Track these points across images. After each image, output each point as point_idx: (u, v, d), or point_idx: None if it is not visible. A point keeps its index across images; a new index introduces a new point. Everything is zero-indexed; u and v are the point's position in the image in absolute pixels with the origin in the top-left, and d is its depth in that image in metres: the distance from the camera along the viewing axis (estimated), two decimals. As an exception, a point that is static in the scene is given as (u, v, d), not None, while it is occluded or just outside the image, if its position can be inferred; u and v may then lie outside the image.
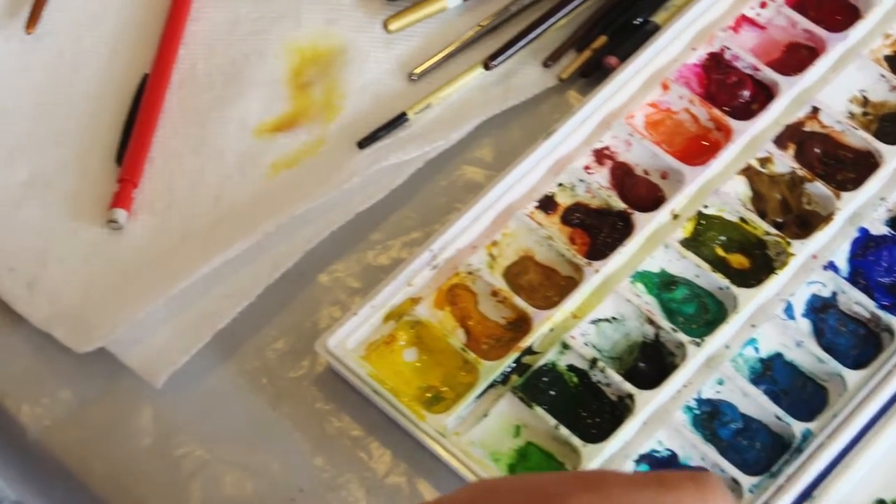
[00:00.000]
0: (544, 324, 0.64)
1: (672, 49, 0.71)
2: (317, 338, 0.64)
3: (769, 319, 0.64)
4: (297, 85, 0.72)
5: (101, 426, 0.64)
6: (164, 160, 0.70)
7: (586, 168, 0.68)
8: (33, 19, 0.72)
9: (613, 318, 0.65)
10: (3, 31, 0.72)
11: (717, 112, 0.69)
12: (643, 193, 0.68)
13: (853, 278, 0.66)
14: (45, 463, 0.64)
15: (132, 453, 0.64)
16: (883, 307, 0.64)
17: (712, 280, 0.65)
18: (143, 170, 0.69)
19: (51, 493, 0.66)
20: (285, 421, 0.64)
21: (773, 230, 0.66)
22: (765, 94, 0.70)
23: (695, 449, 0.62)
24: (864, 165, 0.68)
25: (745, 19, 0.72)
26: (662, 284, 0.66)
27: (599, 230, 0.67)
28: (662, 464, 0.62)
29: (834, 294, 0.65)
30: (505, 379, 0.63)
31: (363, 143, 0.70)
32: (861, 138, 0.68)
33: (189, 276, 0.65)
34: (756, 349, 0.64)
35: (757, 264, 0.66)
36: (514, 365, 0.64)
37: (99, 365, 0.65)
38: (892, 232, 0.66)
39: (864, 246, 0.67)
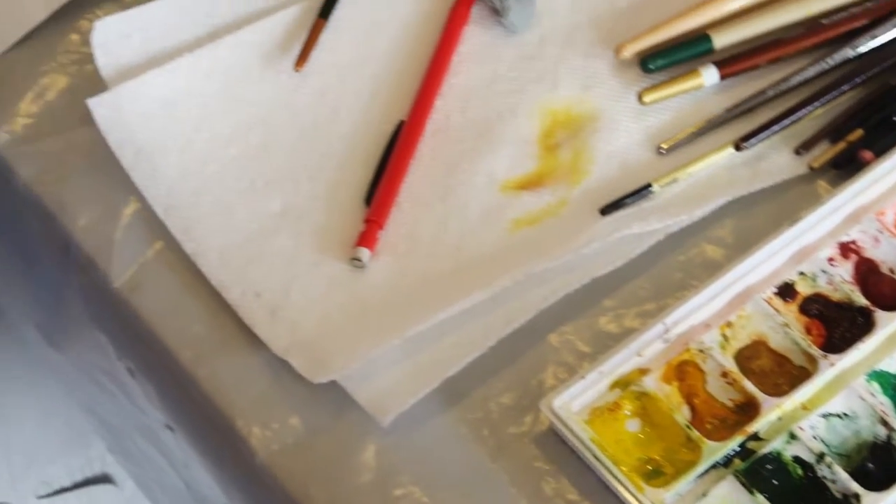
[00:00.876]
0: (773, 411, 0.64)
1: (930, 149, 0.70)
2: (541, 396, 0.65)
3: None
4: (546, 146, 0.73)
5: (325, 457, 0.66)
6: (410, 205, 0.72)
7: (830, 260, 0.68)
8: (303, 58, 0.75)
9: (845, 415, 0.64)
10: (275, 66, 0.75)
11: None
12: (887, 292, 0.67)
13: None
14: (268, 487, 0.66)
15: (352, 487, 0.65)
16: None
17: (952, 388, 0.64)
18: (390, 213, 0.72)
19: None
20: (502, 475, 0.65)
21: None
22: None
23: (917, 557, 0.60)
24: None
25: None
26: (899, 386, 0.65)
27: (838, 324, 0.66)
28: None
29: None
30: (727, 461, 0.63)
31: (606, 210, 0.71)
32: None
33: (425, 321, 0.67)
34: None
35: None
36: (739, 449, 0.63)
37: (329, 396, 0.67)
38: None
39: None
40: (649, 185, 0.71)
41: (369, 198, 0.72)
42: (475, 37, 0.76)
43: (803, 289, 0.67)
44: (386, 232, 0.71)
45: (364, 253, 0.70)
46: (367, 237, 0.70)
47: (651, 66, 0.74)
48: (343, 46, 0.76)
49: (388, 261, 0.71)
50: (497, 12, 0.76)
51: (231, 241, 0.71)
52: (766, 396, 0.64)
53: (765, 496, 0.61)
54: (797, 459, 0.63)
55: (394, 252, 0.71)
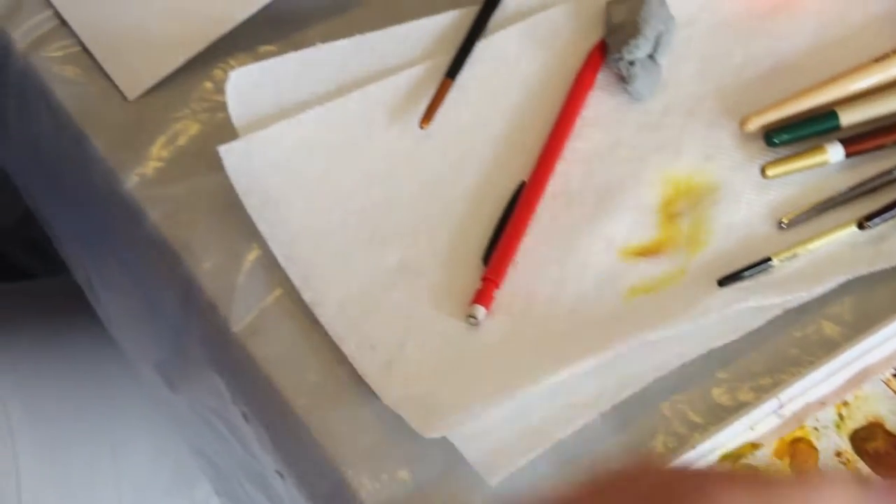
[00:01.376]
0: (887, 495, 0.63)
1: None
2: (651, 465, 0.65)
3: None
4: (666, 214, 0.74)
5: (433, 511, 0.67)
6: (527, 266, 0.73)
7: (952, 343, 0.67)
8: (429, 115, 0.76)
9: (962, 503, 0.63)
10: (401, 122, 0.77)
11: None
12: None
13: None
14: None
15: (458, 543, 0.66)
16: None
17: None
18: (507, 272, 0.72)
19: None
20: (608, 541, 0.65)
21: None
22: None
23: None
24: None
25: None
26: None
27: (958, 409, 0.66)
28: None
29: None
30: (839, 543, 0.62)
31: (724, 282, 0.70)
32: None
33: (538, 382, 0.67)
34: None
35: None
36: (851, 530, 0.63)
37: (439, 451, 0.67)
38: None
39: None
40: (769, 259, 0.71)
41: (487, 256, 0.73)
42: (600, 102, 0.77)
43: (923, 372, 0.67)
44: (502, 291, 0.72)
45: (480, 311, 0.70)
46: (483, 295, 0.71)
47: (776, 140, 0.74)
48: (468, 106, 0.77)
49: (503, 320, 0.71)
50: (623, 79, 0.76)
51: (349, 293, 0.72)
52: (881, 479, 0.63)
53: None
54: (911, 545, 0.62)
55: (509, 311, 0.71)
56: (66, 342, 0.96)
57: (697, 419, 0.68)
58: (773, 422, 0.66)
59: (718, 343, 0.69)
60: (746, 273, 0.70)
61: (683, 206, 0.74)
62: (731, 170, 0.74)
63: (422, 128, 0.76)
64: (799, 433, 0.66)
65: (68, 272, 0.91)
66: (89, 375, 0.95)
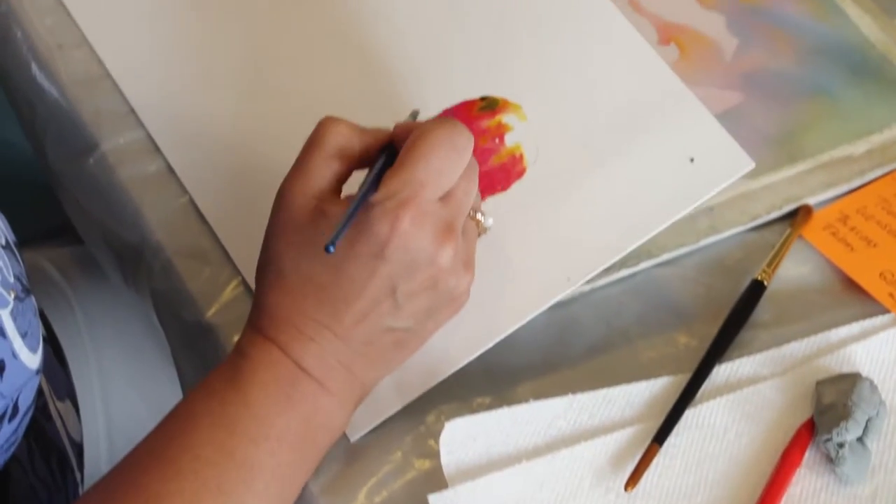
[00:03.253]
0: None
1: None
2: None
3: None
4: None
5: None
6: None
7: None
8: (634, 479, 0.77)
9: None
10: (605, 483, 0.77)
11: None
12: None
13: None
14: None
15: None
16: None
17: None
18: None
19: None
20: None
21: None
22: None
23: None
24: None
25: None
26: None
27: None
28: None
29: None
30: None
31: None
32: None
33: None
34: None
35: None
36: None
37: None
38: None
39: None
40: None
41: None
42: (807, 481, 0.77)
43: None
44: None
45: None
46: None
47: None
48: (673, 472, 0.78)
49: None
50: (831, 460, 0.76)
51: None
52: None
53: None
54: None
55: None
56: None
57: None
58: None
59: None
60: None
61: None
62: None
63: (626, 490, 0.77)
64: None
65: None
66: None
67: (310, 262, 0.72)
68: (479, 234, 0.78)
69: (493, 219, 0.78)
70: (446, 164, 0.73)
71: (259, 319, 0.74)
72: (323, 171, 0.75)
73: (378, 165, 0.75)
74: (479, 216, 0.78)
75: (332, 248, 0.69)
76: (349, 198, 0.74)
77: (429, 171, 0.72)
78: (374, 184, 0.73)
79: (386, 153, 0.76)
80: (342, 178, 0.76)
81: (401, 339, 0.75)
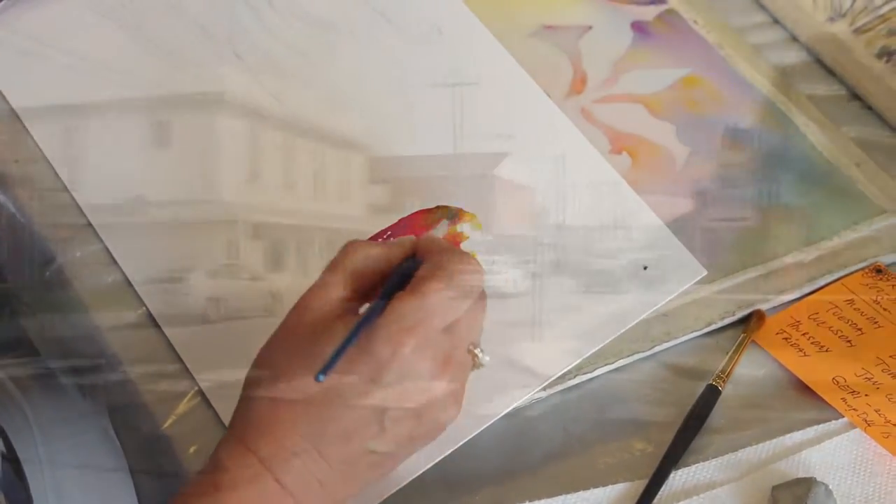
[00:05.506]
0: None
1: None
2: None
3: None
4: None
5: None
6: None
7: None
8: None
9: None
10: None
11: None
12: None
13: None
14: None
15: None
16: None
17: None
18: None
19: None
20: None
21: None
22: None
23: None
24: None
25: None
26: None
27: None
28: None
29: None
30: None
31: None
32: None
33: None
34: None
35: None
36: None
37: None
38: None
39: None
40: None
41: None
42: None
43: None
44: None
45: None
46: None
47: None
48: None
49: None
50: (789, 565, 0.77)
51: None
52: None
53: None
54: None
55: None
56: None
57: None
58: None
59: None
60: None
61: None
62: None
63: None
64: None
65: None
66: None
67: (304, 376, 0.72)
68: (473, 369, 0.78)
69: (489, 357, 0.77)
70: (458, 298, 0.73)
71: (242, 427, 0.73)
72: (338, 288, 0.75)
73: (390, 284, 0.75)
74: (477, 351, 0.77)
75: (321, 378, 0.69)
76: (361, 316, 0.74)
77: (440, 302, 0.73)
78: (380, 304, 0.73)
79: (403, 267, 0.76)
80: (362, 295, 0.76)
81: (378, 461, 0.74)
